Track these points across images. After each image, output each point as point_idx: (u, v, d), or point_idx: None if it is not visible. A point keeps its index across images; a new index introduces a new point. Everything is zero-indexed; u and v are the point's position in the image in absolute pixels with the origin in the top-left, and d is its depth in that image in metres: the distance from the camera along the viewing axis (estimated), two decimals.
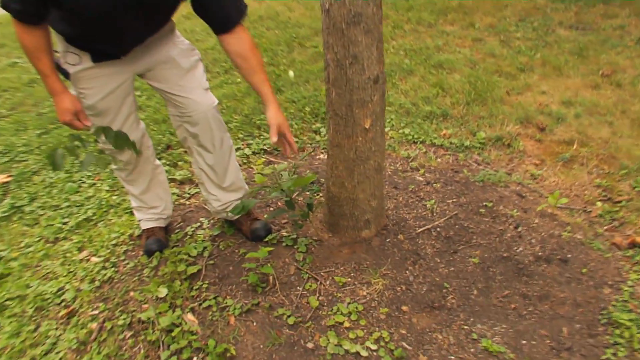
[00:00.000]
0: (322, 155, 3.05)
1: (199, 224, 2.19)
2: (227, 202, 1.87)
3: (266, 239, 1.92)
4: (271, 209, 2.28)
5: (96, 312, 1.78)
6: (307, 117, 3.59)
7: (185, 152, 2.97)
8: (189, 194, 2.53)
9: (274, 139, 1.58)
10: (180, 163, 2.82)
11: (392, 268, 1.82)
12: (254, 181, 2.46)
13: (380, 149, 1.76)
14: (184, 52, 1.55)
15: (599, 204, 2.26)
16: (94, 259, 2.08)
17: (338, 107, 1.63)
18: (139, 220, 2.07)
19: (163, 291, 1.78)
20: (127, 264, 2.00)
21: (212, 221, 2.19)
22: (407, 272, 1.79)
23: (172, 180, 2.61)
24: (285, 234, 2.04)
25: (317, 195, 2.13)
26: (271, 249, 1.73)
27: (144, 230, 2.06)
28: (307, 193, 1.95)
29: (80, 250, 2.17)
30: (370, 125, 1.65)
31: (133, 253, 2.07)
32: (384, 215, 2.04)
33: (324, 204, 1.91)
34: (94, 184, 2.70)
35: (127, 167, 1.76)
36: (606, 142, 2.76)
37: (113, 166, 1.84)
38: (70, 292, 1.89)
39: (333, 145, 1.76)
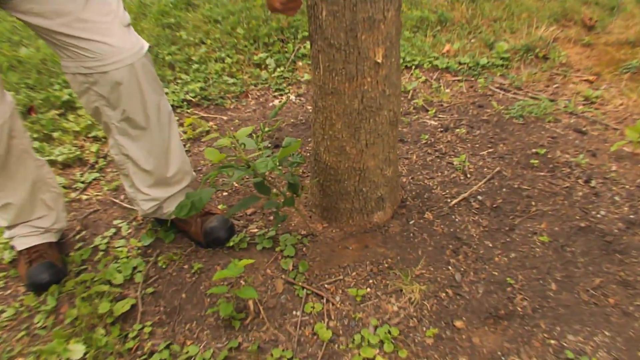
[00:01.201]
0: (275, 102, 2.84)
1: (113, 230, 2.02)
2: (166, 198, 1.76)
3: (230, 243, 1.85)
4: (226, 194, 2.08)
5: None
6: (242, 45, 3.33)
7: (62, 114, 2.68)
8: (82, 182, 2.32)
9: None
10: (56, 134, 2.53)
11: (426, 265, 1.73)
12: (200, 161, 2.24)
13: (396, 92, 1.63)
14: None
15: None
16: None
17: (333, 32, 1.45)
18: (9, 238, 1.81)
19: (78, 349, 1.57)
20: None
21: (134, 223, 2.03)
22: (450, 267, 1.70)
23: (50, 165, 2.37)
24: (256, 230, 1.92)
25: (298, 169, 1.97)
26: (250, 261, 1.55)
27: (20, 252, 1.81)
28: (287, 167, 1.77)
29: None
30: (383, 57, 1.50)
31: (6, 293, 1.81)
32: (399, 187, 1.93)
33: (312, 181, 1.77)
34: None
35: None
36: None
37: None
38: None
39: (325, 93, 1.59)
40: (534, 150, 2.18)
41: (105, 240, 1.97)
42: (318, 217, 1.93)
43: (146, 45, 1.52)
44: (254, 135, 1.88)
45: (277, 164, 1.53)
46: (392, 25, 1.48)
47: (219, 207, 2.04)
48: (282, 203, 1.74)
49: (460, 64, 3.13)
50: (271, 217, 1.97)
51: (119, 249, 1.92)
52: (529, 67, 3.03)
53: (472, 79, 3.01)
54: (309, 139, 2.45)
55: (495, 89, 2.85)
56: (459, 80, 2.99)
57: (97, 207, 2.18)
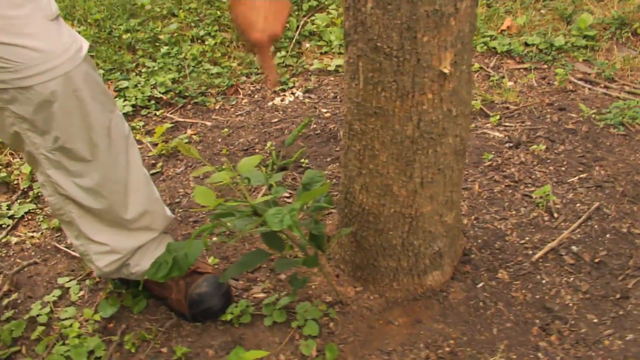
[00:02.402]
0: (276, 100, 2.76)
1: (57, 292, 1.97)
2: (132, 250, 1.74)
3: (226, 315, 1.81)
4: (216, 239, 2.01)
5: None
6: (228, 18, 3.25)
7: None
8: (10, 217, 2.31)
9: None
10: None
11: (506, 349, 1.66)
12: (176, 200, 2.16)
13: (465, 111, 1.60)
14: None
15: None
16: None
17: (381, 32, 1.40)
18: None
19: None
20: None
21: (88, 282, 1.99)
22: (540, 354, 1.66)
23: None
24: (262, 295, 1.87)
25: (325, 214, 1.95)
26: (264, 354, 1.49)
27: None
28: (310, 213, 1.71)
29: None
30: (451, 65, 1.45)
31: None
32: (461, 236, 1.90)
33: (343, 231, 1.76)
34: None
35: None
36: None
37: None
38: None
39: (366, 114, 1.56)
40: None
41: (47, 309, 1.90)
42: (348, 277, 1.88)
43: (85, 44, 1.47)
44: (262, 168, 1.81)
45: (297, 219, 1.45)
46: (465, 20, 1.43)
47: (209, 261, 1.97)
48: (302, 262, 1.66)
49: (526, 45, 3.09)
50: (282, 276, 1.91)
51: (67, 322, 1.85)
52: (624, 49, 2.97)
53: (545, 66, 2.96)
54: (328, 159, 2.37)
55: (577, 81, 2.78)
56: (525, 69, 2.93)
57: (32, 255, 2.13)
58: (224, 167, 1.62)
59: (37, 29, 1.38)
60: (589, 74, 2.86)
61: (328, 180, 1.57)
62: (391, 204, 1.66)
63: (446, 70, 1.44)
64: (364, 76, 1.50)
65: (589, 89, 2.73)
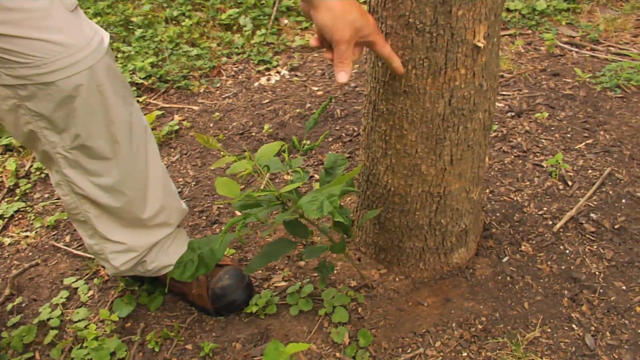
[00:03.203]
0: (262, 80, 2.69)
1: (65, 293, 1.91)
2: (148, 247, 1.70)
3: (250, 307, 1.76)
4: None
5: None
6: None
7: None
8: None
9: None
10: None
11: (541, 323, 1.65)
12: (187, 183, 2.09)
13: (494, 84, 1.57)
14: None
15: None
16: None
17: (413, 8, 1.36)
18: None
19: None
20: None
21: (96, 280, 1.94)
22: (574, 325, 1.65)
23: None
24: (284, 284, 1.84)
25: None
26: (305, 346, 1.43)
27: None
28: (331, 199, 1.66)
29: None
30: (484, 38, 1.41)
31: None
32: (481, 211, 1.89)
33: (370, 213, 1.72)
34: None
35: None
36: None
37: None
38: None
39: (394, 94, 1.54)
40: None
41: (57, 312, 1.84)
42: (371, 259, 1.86)
43: (107, 36, 1.43)
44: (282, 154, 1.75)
45: (337, 204, 1.39)
46: None
47: (230, 253, 1.92)
48: (330, 249, 1.62)
49: (509, 11, 3.06)
50: (301, 263, 1.86)
51: (81, 324, 1.80)
52: (605, 10, 2.97)
53: (529, 31, 2.94)
54: (330, 139, 2.31)
55: (564, 45, 2.77)
56: (511, 36, 2.91)
57: (31, 256, 2.06)
58: (245, 156, 1.55)
59: (58, 22, 1.32)
60: (574, 37, 2.85)
61: (345, 159, 1.51)
62: (419, 184, 1.63)
63: (480, 44, 1.40)
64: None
65: (577, 52, 2.73)
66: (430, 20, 1.36)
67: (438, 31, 1.37)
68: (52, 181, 1.59)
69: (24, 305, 1.90)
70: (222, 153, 2.29)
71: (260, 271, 1.86)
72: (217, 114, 2.56)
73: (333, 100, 2.51)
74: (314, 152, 2.26)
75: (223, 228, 1.60)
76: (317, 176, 2.15)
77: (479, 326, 1.66)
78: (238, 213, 2.06)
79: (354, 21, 1.28)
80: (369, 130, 1.63)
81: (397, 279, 1.80)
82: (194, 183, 2.22)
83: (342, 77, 1.34)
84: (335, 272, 1.83)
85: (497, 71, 1.54)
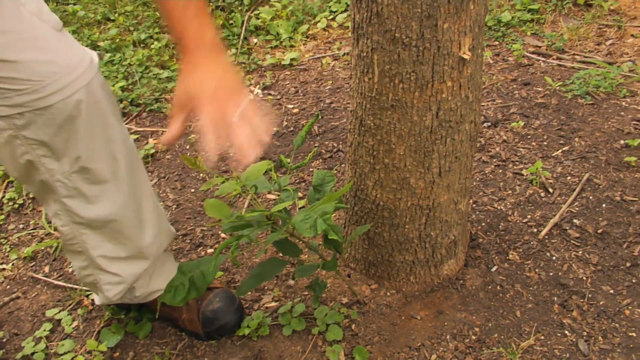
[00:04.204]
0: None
1: (48, 325, 1.86)
2: (137, 275, 1.67)
3: (243, 329, 1.74)
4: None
5: None
6: None
7: None
8: None
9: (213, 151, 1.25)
10: None
11: (535, 330, 1.66)
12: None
13: (478, 95, 1.58)
14: None
15: None
16: None
17: (399, 22, 1.37)
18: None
19: None
20: None
21: (80, 311, 1.89)
22: (566, 331, 1.67)
23: None
24: (274, 304, 1.82)
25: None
26: None
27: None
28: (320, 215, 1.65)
29: None
30: (470, 51, 1.43)
31: None
32: (467, 221, 1.90)
33: (359, 229, 1.71)
34: None
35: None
36: None
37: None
38: None
39: (381, 108, 1.55)
40: (621, 141, 2.19)
41: (41, 345, 1.79)
42: (361, 275, 1.85)
43: (94, 53, 1.41)
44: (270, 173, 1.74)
45: (331, 222, 1.38)
46: (482, 3, 1.43)
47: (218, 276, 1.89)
48: (322, 267, 1.61)
49: None
50: (290, 282, 1.85)
51: (67, 356, 1.75)
52: (568, 19, 3.02)
53: (496, 43, 2.98)
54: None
55: (531, 55, 2.82)
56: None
57: (9, 290, 2.01)
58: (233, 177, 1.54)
59: (50, 42, 1.31)
60: (540, 47, 2.90)
61: (331, 171, 1.51)
62: (408, 197, 1.63)
63: (466, 56, 1.42)
64: (379, 69, 1.45)
65: (544, 61, 2.77)
66: (416, 34, 1.36)
67: (424, 44, 1.38)
68: (48, 212, 1.56)
69: (5, 340, 1.85)
70: (210, 174, 2.27)
71: (249, 292, 1.84)
72: (192, 136, 2.53)
73: (306, 120, 2.51)
74: (295, 170, 2.25)
75: (216, 250, 1.58)
76: (300, 194, 2.14)
77: (473, 337, 1.66)
78: (223, 235, 2.04)
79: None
80: (356, 145, 1.63)
81: (388, 294, 1.79)
82: (174, 206, 2.19)
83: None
84: (325, 290, 1.82)
85: (481, 82, 1.56)
